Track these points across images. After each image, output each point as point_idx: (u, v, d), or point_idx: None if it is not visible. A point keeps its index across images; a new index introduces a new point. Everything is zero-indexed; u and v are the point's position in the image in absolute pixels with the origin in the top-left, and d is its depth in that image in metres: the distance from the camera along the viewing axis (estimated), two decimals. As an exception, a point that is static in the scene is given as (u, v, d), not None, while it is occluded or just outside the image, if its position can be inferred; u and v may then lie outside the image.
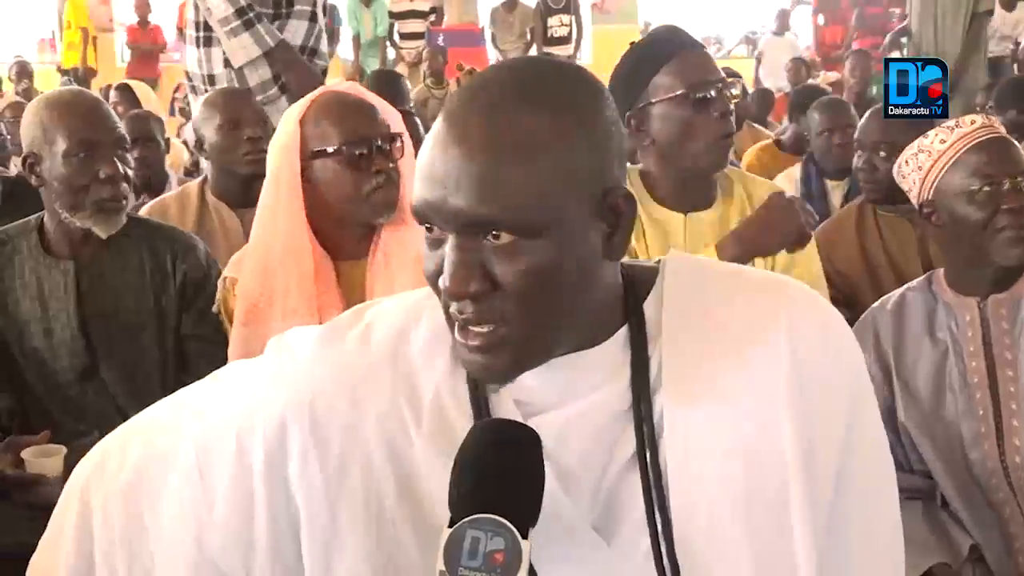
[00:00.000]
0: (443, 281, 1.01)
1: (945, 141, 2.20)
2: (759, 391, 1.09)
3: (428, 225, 1.03)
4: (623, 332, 1.11)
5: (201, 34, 3.77)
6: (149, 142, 3.93)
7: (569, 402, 1.09)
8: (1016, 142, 2.20)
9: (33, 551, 1.30)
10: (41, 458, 2.10)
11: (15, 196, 2.96)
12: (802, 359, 1.09)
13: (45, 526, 1.27)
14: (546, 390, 1.10)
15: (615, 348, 1.10)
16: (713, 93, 2.23)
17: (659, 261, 1.16)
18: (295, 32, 3.77)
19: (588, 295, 1.06)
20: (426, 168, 1.01)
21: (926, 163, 2.22)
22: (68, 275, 2.37)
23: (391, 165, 2.10)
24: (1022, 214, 2.13)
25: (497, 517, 0.96)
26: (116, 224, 2.35)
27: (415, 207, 1.03)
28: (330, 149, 2.08)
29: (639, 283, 1.13)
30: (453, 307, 1.03)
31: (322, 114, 2.10)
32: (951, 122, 2.21)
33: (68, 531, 1.24)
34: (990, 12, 6.47)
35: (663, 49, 2.28)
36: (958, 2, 6.23)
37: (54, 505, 2.03)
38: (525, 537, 0.96)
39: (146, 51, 11.40)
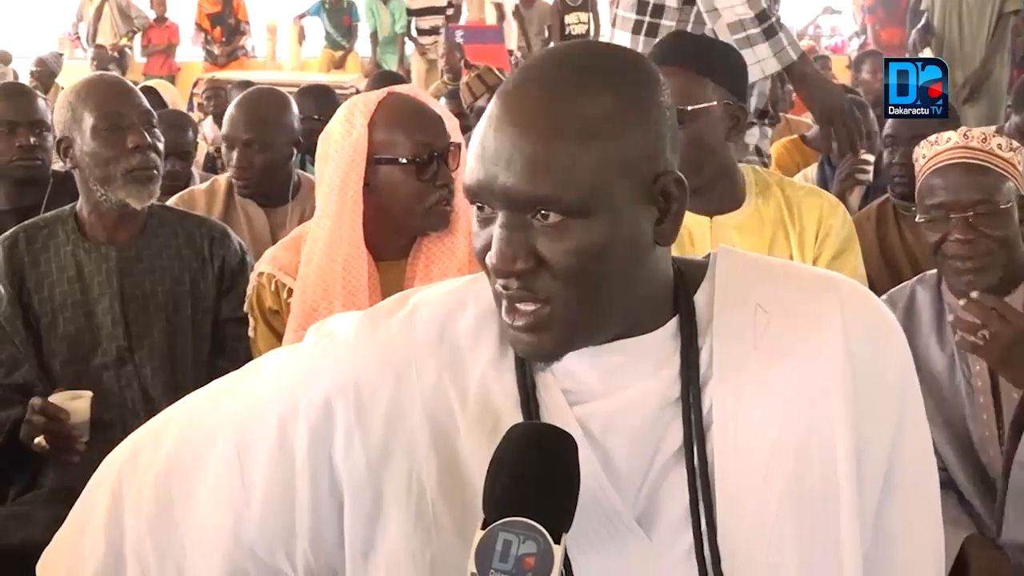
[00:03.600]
0: (490, 258, 1.02)
1: (926, 156, 2.17)
2: (811, 387, 1.08)
3: (479, 204, 1.04)
4: (673, 323, 1.10)
5: (647, 20, 3.04)
6: (184, 154, 3.86)
7: (617, 391, 1.09)
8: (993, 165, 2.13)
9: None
10: (68, 401, 2.18)
11: (63, 191, 2.98)
12: (855, 356, 1.09)
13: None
14: (594, 378, 1.09)
15: (665, 338, 1.10)
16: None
17: (709, 255, 1.16)
18: None
19: (636, 279, 1.06)
20: (479, 147, 1.02)
21: (916, 173, 2.22)
22: (110, 259, 2.40)
23: (452, 177, 2.08)
24: (966, 246, 2.10)
25: (530, 521, 0.96)
26: (150, 194, 2.39)
27: (468, 185, 1.04)
28: (402, 159, 2.05)
29: (690, 275, 1.13)
30: (499, 284, 1.04)
31: (393, 120, 2.07)
32: (934, 136, 2.17)
33: (98, 523, 1.23)
34: (1017, 12, 6.41)
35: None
36: (983, 1, 6.18)
37: (70, 440, 2.13)
38: (558, 542, 0.96)
39: (163, 49, 11.42)
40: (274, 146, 3.10)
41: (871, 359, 1.10)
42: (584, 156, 0.99)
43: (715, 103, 2.21)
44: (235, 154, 3.08)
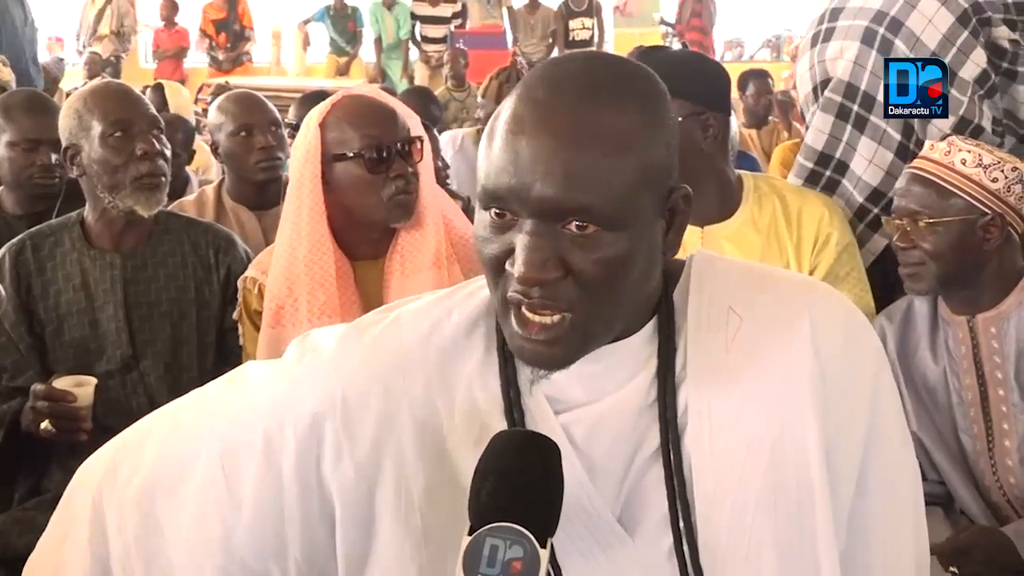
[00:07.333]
0: (516, 266, 1.01)
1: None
2: (782, 389, 1.10)
3: (498, 210, 1.03)
4: (651, 326, 1.12)
5: (855, 109, 2.56)
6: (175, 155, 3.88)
7: (598, 398, 1.11)
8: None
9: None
10: (74, 387, 2.20)
11: (75, 196, 2.99)
12: (825, 357, 1.10)
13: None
14: (576, 386, 1.11)
15: (643, 342, 1.12)
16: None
17: (687, 258, 1.17)
18: None
19: (646, 288, 1.08)
20: (508, 153, 1.01)
21: None
22: (115, 267, 2.42)
23: (410, 169, 2.13)
24: (901, 252, 2.14)
25: (516, 526, 0.97)
26: (157, 201, 2.41)
27: (491, 191, 1.02)
28: (350, 153, 2.12)
29: (668, 278, 1.15)
30: (515, 291, 1.03)
31: (342, 118, 2.14)
32: (934, 143, 2.18)
33: (80, 536, 1.23)
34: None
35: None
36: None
37: (77, 422, 2.15)
38: (544, 546, 0.97)
39: (172, 54, 11.46)
40: (282, 132, 3.15)
41: (840, 361, 1.11)
42: (620, 168, 1.00)
43: (678, 119, 2.14)
44: (257, 137, 3.08)
